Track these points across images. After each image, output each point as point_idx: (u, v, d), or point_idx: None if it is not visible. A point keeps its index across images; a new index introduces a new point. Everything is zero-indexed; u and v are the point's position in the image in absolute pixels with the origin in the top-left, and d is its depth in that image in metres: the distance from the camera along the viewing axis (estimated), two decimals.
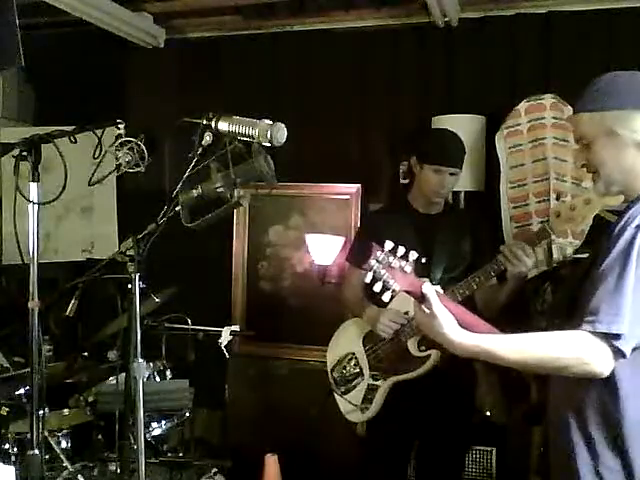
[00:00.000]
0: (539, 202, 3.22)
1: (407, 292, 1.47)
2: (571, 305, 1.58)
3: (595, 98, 1.59)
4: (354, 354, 2.74)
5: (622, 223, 1.51)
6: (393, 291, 1.42)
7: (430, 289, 1.49)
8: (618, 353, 1.44)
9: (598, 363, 1.44)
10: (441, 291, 1.52)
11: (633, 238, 1.47)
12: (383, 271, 1.40)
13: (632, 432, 1.50)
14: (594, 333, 1.43)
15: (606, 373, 1.46)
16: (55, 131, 2.01)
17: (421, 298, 1.49)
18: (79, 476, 2.54)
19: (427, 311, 1.50)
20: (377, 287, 1.40)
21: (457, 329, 1.49)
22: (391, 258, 1.42)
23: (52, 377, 2.68)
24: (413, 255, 1.43)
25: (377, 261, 1.40)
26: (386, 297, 1.42)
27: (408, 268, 1.44)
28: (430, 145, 2.74)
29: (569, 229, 2.26)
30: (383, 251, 1.41)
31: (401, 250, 1.42)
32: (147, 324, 3.00)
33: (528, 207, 3.26)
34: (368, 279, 1.40)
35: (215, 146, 1.81)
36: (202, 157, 1.81)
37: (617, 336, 1.42)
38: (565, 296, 1.68)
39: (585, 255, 2.31)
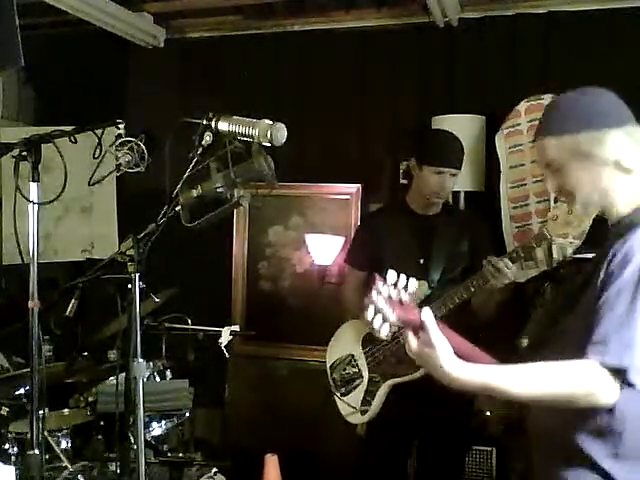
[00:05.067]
0: (539, 202, 3.22)
1: (404, 323, 1.40)
2: (568, 314, 1.52)
3: (562, 121, 1.53)
4: (353, 356, 2.74)
5: (625, 251, 1.43)
6: (391, 325, 1.37)
7: (430, 316, 1.39)
8: (627, 384, 1.37)
9: (606, 395, 1.37)
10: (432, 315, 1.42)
11: None
12: (383, 304, 1.36)
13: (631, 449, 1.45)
14: (603, 364, 1.36)
15: (612, 403, 1.39)
16: (55, 131, 2.01)
17: (420, 327, 1.40)
18: (79, 476, 2.54)
19: (423, 340, 1.40)
20: (376, 322, 1.36)
21: (455, 362, 1.38)
22: (391, 289, 1.37)
23: (52, 377, 2.67)
24: (413, 285, 1.39)
25: (378, 293, 1.36)
26: (384, 332, 1.37)
27: (407, 298, 1.39)
28: (430, 147, 2.73)
29: (567, 232, 2.27)
30: (385, 283, 1.37)
31: (402, 280, 1.38)
32: (147, 324, 3.00)
33: (528, 207, 3.26)
34: (370, 315, 1.36)
35: (215, 146, 1.81)
36: (202, 157, 1.81)
37: (628, 368, 1.35)
38: (562, 307, 1.61)
39: (584, 255, 2.32)
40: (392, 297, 1.37)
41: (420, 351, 1.41)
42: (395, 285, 1.38)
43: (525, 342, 1.64)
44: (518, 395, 1.40)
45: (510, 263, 2.39)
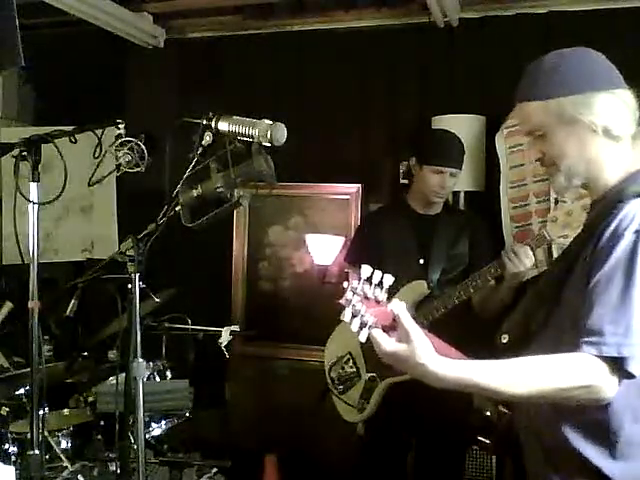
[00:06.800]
0: (539, 202, 3.22)
1: (380, 323, 1.27)
2: (553, 304, 1.42)
3: (546, 84, 1.41)
4: (351, 354, 2.74)
5: (615, 225, 1.31)
6: (369, 327, 1.24)
7: (401, 308, 1.25)
8: (626, 375, 1.27)
9: (607, 389, 1.26)
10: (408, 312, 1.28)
11: (635, 245, 1.27)
12: (359, 304, 1.23)
13: (627, 446, 1.34)
14: (601, 357, 1.25)
15: (612, 397, 1.28)
16: (55, 131, 2.02)
17: (392, 323, 1.27)
18: (79, 476, 2.54)
19: (399, 337, 1.26)
20: (355, 325, 1.23)
21: (437, 358, 1.24)
22: (367, 287, 1.25)
23: (52, 377, 2.67)
24: (389, 280, 1.28)
25: (353, 292, 1.23)
26: (362, 337, 1.24)
27: (382, 297, 1.27)
28: (430, 146, 2.74)
29: (567, 234, 2.27)
30: (360, 280, 1.25)
31: (377, 276, 1.26)
32: (147, 324, 3.00)
33: (528, 207, 3.26)
34: (347, 317, 1.22)
35: (215, 146, 1.81)
36: (202, 157, 1.81)
37: (627, 359, 1.25)
38: (544, 296, 1.49)
39: None
40: (368, 296, 1.25)
41: (395, 349, 1.25)
42: (370, 281, 1.26)
43: (506, 338, 1.53)
44: (511, 394, 1.27)
45: (531, 253, 2.38)
